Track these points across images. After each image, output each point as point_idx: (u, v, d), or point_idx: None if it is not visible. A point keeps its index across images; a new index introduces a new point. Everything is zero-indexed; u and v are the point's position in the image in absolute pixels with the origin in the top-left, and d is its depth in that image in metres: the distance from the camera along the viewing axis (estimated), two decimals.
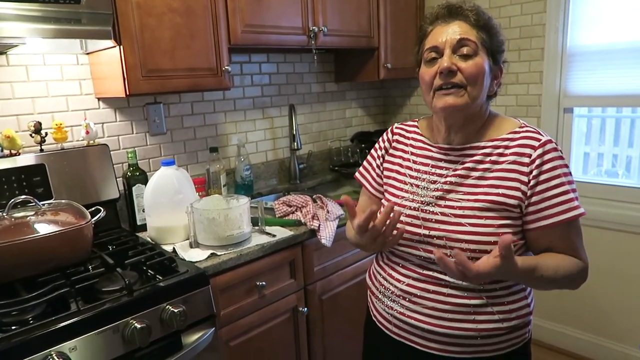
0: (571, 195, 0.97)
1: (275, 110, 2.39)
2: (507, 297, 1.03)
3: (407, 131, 1.18)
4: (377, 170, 1.21)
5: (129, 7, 1.49)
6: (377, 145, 1.23)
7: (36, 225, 1.33)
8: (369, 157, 1.25)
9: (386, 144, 1.20)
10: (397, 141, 1.18)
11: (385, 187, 1.17)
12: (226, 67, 1.75)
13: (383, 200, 1.16)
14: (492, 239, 0.96)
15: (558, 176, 0.97)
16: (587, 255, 1.03)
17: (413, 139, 1.15)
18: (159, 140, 1.97)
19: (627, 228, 2.16)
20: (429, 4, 2.60)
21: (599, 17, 2.11)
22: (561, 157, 0.98)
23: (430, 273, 1.04)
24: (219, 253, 1.49)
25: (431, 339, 1.05)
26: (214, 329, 1.36)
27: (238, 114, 2.24)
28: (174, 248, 1.54)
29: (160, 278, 1.32)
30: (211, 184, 2.01)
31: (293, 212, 1.81)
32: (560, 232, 0.98)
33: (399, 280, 1.09)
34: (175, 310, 1.23)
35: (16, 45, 1.46)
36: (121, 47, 1.50)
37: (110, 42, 1.49)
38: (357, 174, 1.27)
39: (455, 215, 1.00)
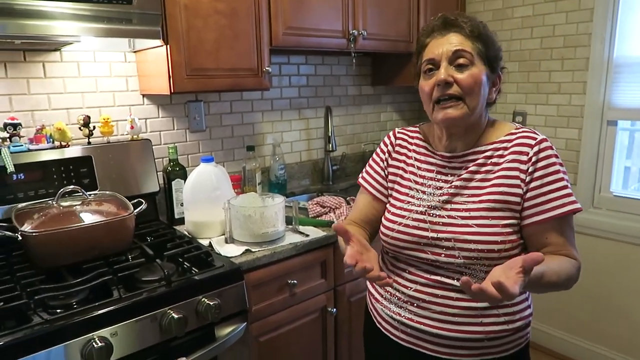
0: (567, 190, 0.99)
1: (311, 111, 2.41)
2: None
3: (409, 137, 1.19)
4: (382, 173, 1.21)
5: (177, 8, 1.54)
6: (378, 150, 1.24)
7: (82, 215, 1.39)
8: (371, 162, 1.25)
9: (389, 147, 1.21)
10: (400, 145, 1.19)
11: (389, 191, 1.19)
12: (267, 68, 1.79)
13: (388, 205, 1.17)
14: (498, 238, 0.98)
15: (554, 172, 0.99)
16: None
17: (416, 144, 1.17)
18: (198, 137, 2.03)
19: None
20: (470, 10, 2.58)
21: None
22: (556, 155, 1.01)
23: (438, 278, 1.05)
24: (253, 250, 1.52)
25: (440, 344, 1.06)
26: (245, 323, 1.39)
27: (275, 114, 2.28)
28: (210, 242, 1.58)
29: (197, 271, 1.36)
30: (246, 182, 2.05)
31: (326, 213, 1.83)
32: (555, 228, 0.99)
33: (406, 287, 1.09)
34: (211, 303, 1.27)
35: (71, 43, 1.54)
36: (168, 46, 1.55)
37: (158, 42, 1.54)
38: (360, 180, 1.25)
39: (462, 217, 1.02)
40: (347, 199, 1.91)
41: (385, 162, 1.20)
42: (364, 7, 2.06)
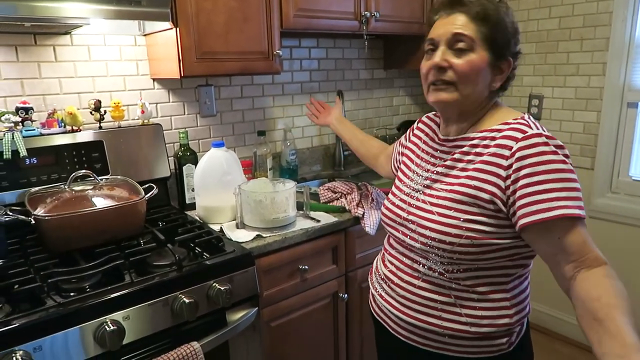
0: (557, 194, 0.85)
1: (322, 95, 2.38)
2: (480, 303, 0.99)
3: (432, 121, 1.19)
4: (399, 147, 1.32)
5: None
6: (409, 129, 1.29)
7: (94, 199, 1.40)
8: (402, 136, 1.33)
9: (409, 132, 1.26)
10: (420, 129, 1.21)
11: (398, 171, 1.23)
12: (277, 52, 1.76)
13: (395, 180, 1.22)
14: (452, 231, 0.95)
15: (543, 172, 0.86)
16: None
17: (430, 128, 1.17)
18: (209, 122, 2.01)
19: None
20: None
21: None
22: (553, 152, 0.87)
23: (408, 262, 1.07)
24: (264, 235, 1.51)
25: (399, 325, 1.10)
26: (256, 308, 1.39)
27: (286, 99, 2.25)
28: (221, 228, 1.57)
29: (208, 256, 1.36)
30: (257, 167, 2.04)
31: (338, 199, 1.81)
32: (566, 227, 0.85)
33: (386, 266, 1.15)
34: (222, 288, 1.26)
35: (80, 26, 1.52)
36: (177, 29, 1.53)
37: (167, 24, 1.52)
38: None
39: (431, 204, 1.02)
40: (359, 184, 1.88)
41: (401, 147, 1.29)
42: None
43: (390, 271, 1.12)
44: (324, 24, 1.90)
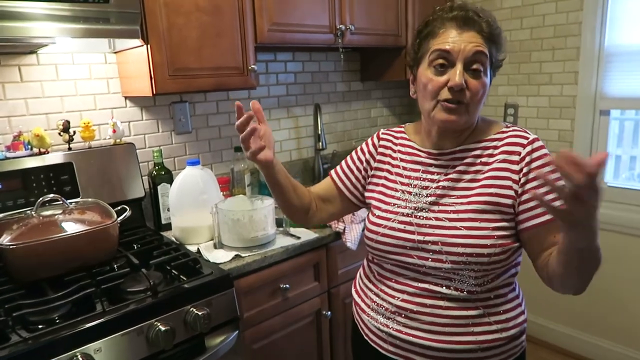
0: None
1: (300, 109, 2.37)
2: (502, 306, 1.00)
3: (394, 137, 1.14)
4: (359, 174, 1.18)
5: (157, 5, 1.48)
6: (359, 150, 1.20)
7: (63, 224, 1.34)
8: (348, 160, 1.21)
9: (371, 150, 1.17)
10: (384, 146, 1.15)
11: (371, 193, 1.13)
12: (252, 66, 1.73)
13: (373, 209, 1.11)
14: (487, 242, 0.93)
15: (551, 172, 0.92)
16: None
17: (401, 144, 1.12)
18: (184, 139, 1.97)
19: None
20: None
21: None
22: (549, 155, 0.96)
23: (426, 286, 0.99)
24: (243, 255, 1.47)
25: (430, 356, 1.00)
26: (237, 332, 1.34)
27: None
28: (198, 249, 1.53)
29: (185, 279, 1.31)
30: (235, 184, 2.00)
31: None
32: (557, 229, 0.89)
33: (392, 296, 1.04)
34: (200, 313, 1.22)
35: (46, 45, 1.47)
36: (148, 46, 1.49)
37: (137, 41, 1.48)
38: (333, 174, 1.23)
39: (450, 220, 0.97)
40: None
41: (366, 165, 1.17)
42: (351, 0, 2.01)
43: (404, 300, 1.01)
44: (299, 37, 1.88)
